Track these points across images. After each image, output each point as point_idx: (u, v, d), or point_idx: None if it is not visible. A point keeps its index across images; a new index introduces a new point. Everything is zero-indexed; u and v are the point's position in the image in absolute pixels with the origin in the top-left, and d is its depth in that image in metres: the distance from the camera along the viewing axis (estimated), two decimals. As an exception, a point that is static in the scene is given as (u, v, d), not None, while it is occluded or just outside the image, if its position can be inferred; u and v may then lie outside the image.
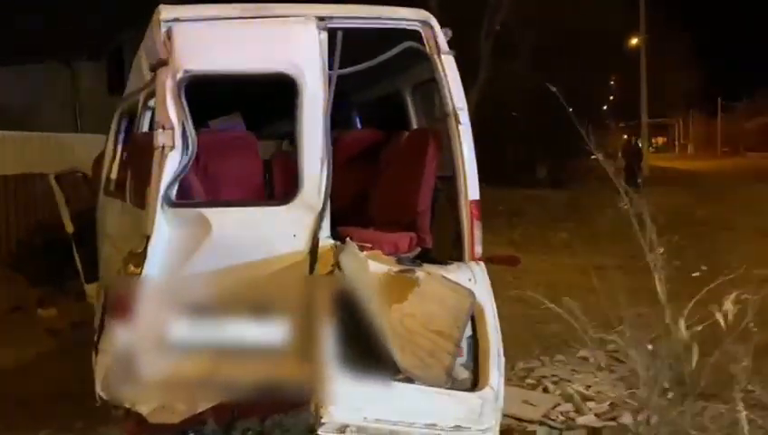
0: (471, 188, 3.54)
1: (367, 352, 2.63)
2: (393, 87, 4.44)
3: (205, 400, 3.13)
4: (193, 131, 3.00)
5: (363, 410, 2.53)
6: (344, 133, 4.49)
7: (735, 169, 26.38)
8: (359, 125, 5.37)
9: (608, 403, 4.50)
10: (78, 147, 9.92)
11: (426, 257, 3.55)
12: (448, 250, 3.60)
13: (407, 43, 3.46)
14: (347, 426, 2.50)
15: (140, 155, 3.48)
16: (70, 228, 6.91)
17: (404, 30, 3.48)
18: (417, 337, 2.79)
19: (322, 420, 2.49)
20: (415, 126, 4.36)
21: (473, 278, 3.23)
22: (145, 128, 3.76)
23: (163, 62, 3.04)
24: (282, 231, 3.04)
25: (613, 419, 4.29)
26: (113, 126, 4.93)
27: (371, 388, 2.60)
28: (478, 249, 3.55)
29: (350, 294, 2.69)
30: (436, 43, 3.49)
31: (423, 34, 3.49)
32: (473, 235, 3.53)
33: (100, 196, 4.99)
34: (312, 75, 3.02)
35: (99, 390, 3.14)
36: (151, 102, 3.73)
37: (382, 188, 3.93)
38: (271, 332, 3.03)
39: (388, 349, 2.62)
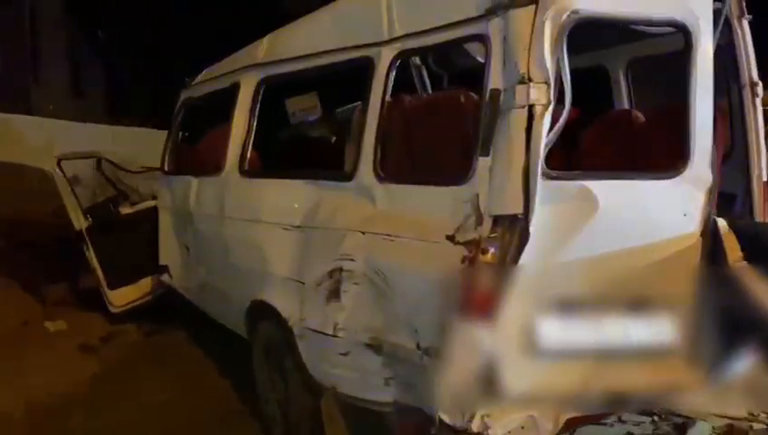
0: (765, 168, 3.27)
1: None
2: (592, 62, 4.05)
3: (562, 416, 2.57)
4: (570, 88, 2.44)
5: None
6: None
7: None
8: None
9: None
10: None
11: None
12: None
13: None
14: None
15: (443, 118, 2.83)
16: (81, 224, 5.79)
17: None
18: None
19: None
20: (626, 105, 3.99)
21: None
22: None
23: (527, 0, 2.44)
24: (670, 209, 2.55)
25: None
26: (246, 100, 4.06)
27: None
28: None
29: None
30: (740, 4, 3.17)
31: None
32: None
33: (225, 177, 4.09)
34: (706, 25, 2.56)
35: (440, 411, 2.48)
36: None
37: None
38: (655, 331, 2.55)
39: None
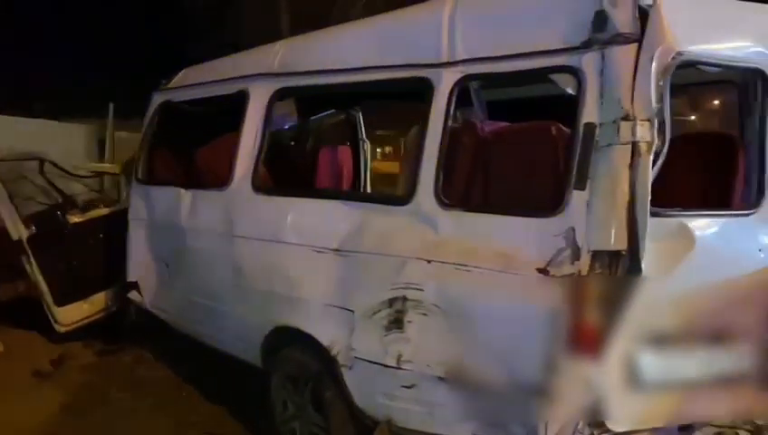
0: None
1: None
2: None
3: None
4: (669, 125, 2.48)
5: None
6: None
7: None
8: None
9: None
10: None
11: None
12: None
13: None
14: None
15: (530, 148, 2.80)
16: (20, 233, 5.22)
17: None
18: None
19: None
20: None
21: None
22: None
23: (629, 39, 2.46)
24: (747, 244, 2.67)
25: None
26: (257, 111, 3.81)
27: None
28: None
29: None
30: None
31: None
32: None
33: (233, 192, 3.82)
34: None
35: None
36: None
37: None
38: (736, 360, 2.67)
39: None
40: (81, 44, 15.99)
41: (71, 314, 5.29)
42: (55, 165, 5.74)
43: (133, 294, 4.85)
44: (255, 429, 3.93)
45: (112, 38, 18.00)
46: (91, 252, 5.42)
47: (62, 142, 11.62)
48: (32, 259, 5.24)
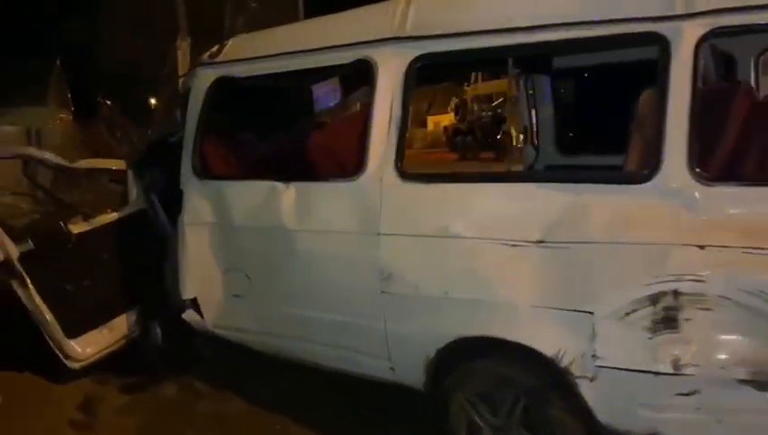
0: None
1: None
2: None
3: None
4: None
5: None
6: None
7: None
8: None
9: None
10: None
11: None
12: None
13: None
14: None
15: None
16: (10, 251, 4.15)
17: None
18: None
19: None
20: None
21: None
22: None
23: None
24: None
25: None
26: (391, 83, 3.16)
27: None
28: None
29: None
30: None
31: None
32: None
33: (369, 183, 3.17)
34: None
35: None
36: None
37: None
38: None
39: None
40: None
41: (87, 346, 4.28)
42: (46, 163, 4.63)
43: (189, 314, 3.98)
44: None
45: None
46: (104, 267, 4.43)
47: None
48: (28, 282, 4.15)
